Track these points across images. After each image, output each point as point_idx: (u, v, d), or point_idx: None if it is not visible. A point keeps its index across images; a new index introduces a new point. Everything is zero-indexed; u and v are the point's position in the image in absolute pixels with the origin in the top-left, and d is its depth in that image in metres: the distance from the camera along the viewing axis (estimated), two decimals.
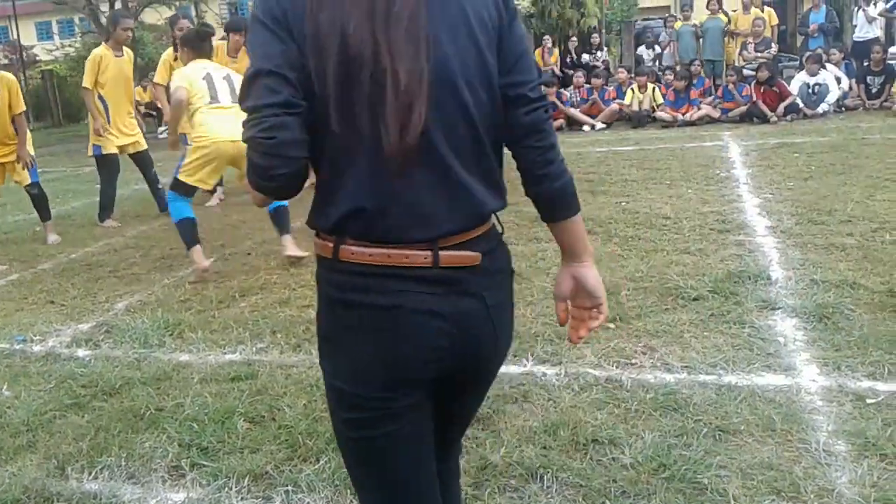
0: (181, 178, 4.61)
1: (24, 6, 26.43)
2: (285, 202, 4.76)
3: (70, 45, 26.52)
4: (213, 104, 4.55)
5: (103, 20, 19.98)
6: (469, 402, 1.47)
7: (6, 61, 30.66)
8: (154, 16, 23.38)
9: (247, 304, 4.12)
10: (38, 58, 29.35)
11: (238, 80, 4.48)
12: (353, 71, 1.16)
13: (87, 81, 6.48)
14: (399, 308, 1.24)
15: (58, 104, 22.25)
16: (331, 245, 1.26)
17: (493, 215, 1.33)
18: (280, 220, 4.87)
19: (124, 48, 6.65)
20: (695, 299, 3.65)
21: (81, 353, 3.58)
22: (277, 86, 1.16)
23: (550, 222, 1.38)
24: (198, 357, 3.42)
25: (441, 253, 1.24)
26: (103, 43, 6.77)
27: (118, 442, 2.67)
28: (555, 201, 1.36)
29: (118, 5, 19.87)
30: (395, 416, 1.30)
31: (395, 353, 1.26)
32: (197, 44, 4.86)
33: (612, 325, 3.41)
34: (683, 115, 10.75)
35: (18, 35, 26.65)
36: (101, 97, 6.46)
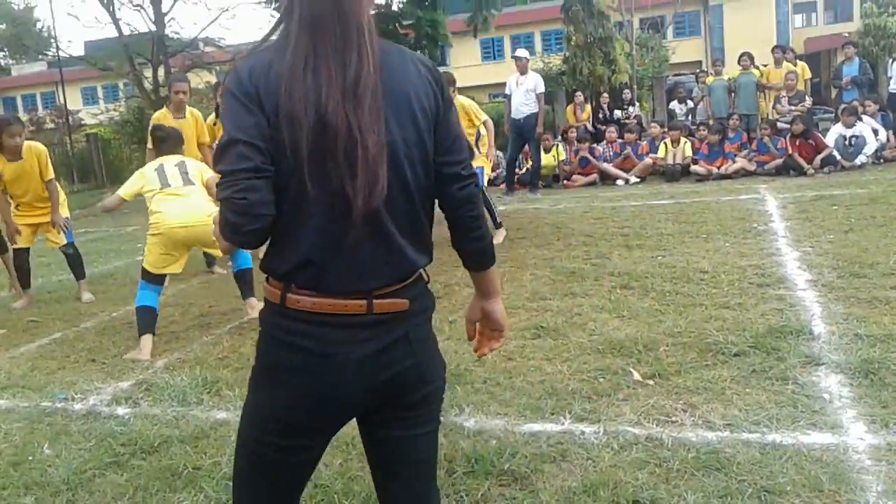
0: (145, 266, 4.67)
1: (70, 72, 27.48)
2: (250, 264, 5.09)
3: (114, 110, 27.46)
4: (165, 189, 4.67)
5: (147, 85, 20.71)
6: (413, 435, 1.59)
7: (52, 125, 31.80)
8: (195, 79, 24.14)
9: None
10: (83, 121, 30.42)
11: (192, 166, 4.87)
12: (327, 141, 1.34)
13: (149, 143, 6.62)
14: (336, 352, 1.44)
15: (101, 166, 22.88)
16: (279, 292, 1.45)
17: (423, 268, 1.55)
18: (244, 283, 5.09)
19: (189, 109, 6.82)
20: (736, 355, 3.59)
21: (121, 411, 3.61)
22: (250, 153, 1.34)
23: (474, 272, 1.65)
24: (235, 415, 3.42)
25: (375, 301, 1.44)
26: (164, 106, 7.03)
27: (156, 501, 2.67)
28: (481, 256, 1.63)
29: (161, 71, 20.58)
30: (315, 445, 1.56)
31: (331, 391, 1.45)
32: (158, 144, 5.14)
33: (651, 382, 3.36)
34: (718, 168, 10.72)
35: (65, 100, 27.64)
36: None
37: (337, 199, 1.36)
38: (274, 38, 1.44)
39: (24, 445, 3.28)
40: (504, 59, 33.20)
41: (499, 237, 7.09)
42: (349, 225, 1.38)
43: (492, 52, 36.33)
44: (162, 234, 4.57)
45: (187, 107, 6.78)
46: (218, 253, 5.85)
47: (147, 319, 4.60)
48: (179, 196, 4.59)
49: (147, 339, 4.55)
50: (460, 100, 7.31)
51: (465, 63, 35.03)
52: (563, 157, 12.26)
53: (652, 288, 4.94)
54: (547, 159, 11.57)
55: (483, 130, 7.43)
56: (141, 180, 4.77)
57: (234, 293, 5.89)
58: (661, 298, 4.68)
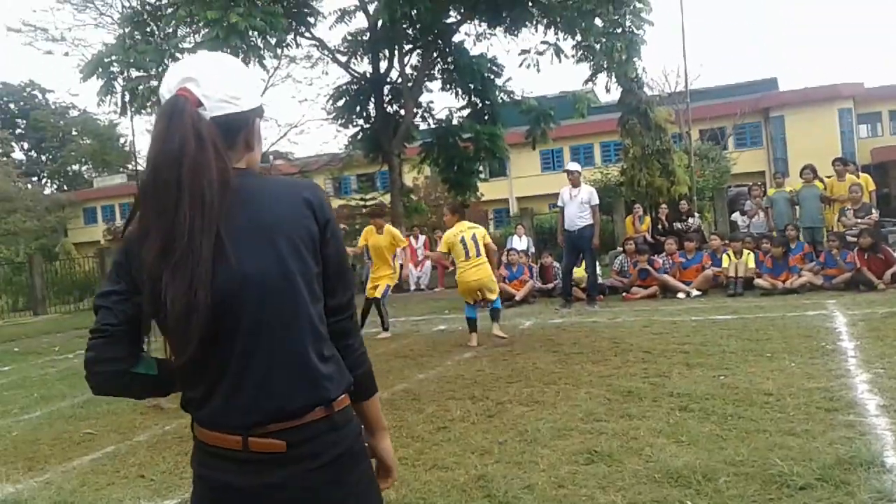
0: None
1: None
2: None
3: None
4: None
5: None
6: None
7: (110, 237, 33.31)
8: None
9: None
10: None
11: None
12: (155, 302, 1.41)
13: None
14: (219, 482, 1.50)
15: None
16: (221, 435, 1.50)
17: (327, 408, 1.53)
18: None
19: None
20: (801, 488, 3.36)
21: None
22: (103, 314, 1.48)
23: (354, 402, 1.63)
24: None
25: (251, 439, 1.46)
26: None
27: None
28: (359, 385, 1.63)
29: None
30: None
31: None
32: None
33: None
34: (784, 282, 10.44)
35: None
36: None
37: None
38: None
39: None
40: (563, 169, 33.73)
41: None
42: (217, 367, 1.46)
43: (551, 162, 36.95)
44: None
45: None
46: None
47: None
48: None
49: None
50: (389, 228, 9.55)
51: (526, 173, 35.72)
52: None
53: (713, 411, 4.73)
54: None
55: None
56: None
57: None
58: (722, 423, 4.47)
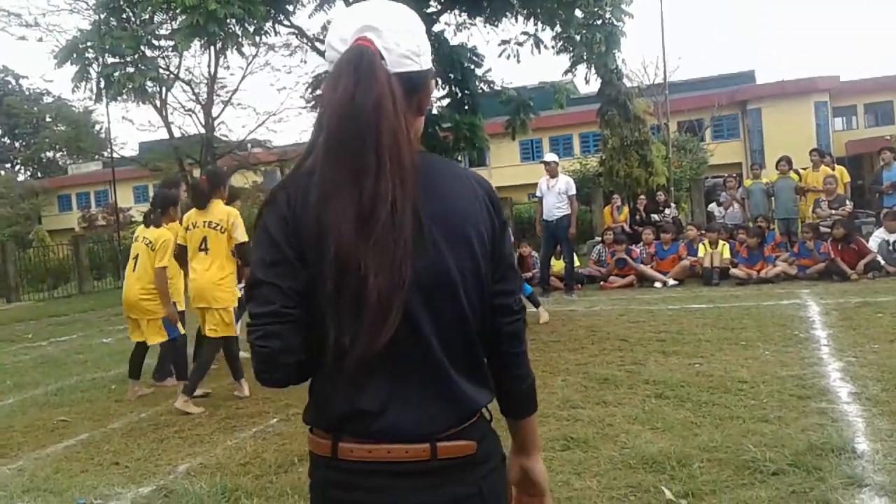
0: None
1: (123, 171, 28.63)
2: None
3: None
4: None
5: None
6: None
7: (104, 222, 32.94)
8: (241, 179, 24.89)
9: (305, 470, 4.03)
10: (133, 219, 31.43)
11: None
12: (342, 277, 1.21)
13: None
14: None
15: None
16: (328, 443, 1.30)
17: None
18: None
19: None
20: (774, 474, 3.41)
21: None
22: (272, 295, 1.25)
23: (512, 419, 1.46)
24: None
25: (438, 444, 1.28)
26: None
27: None
28: (521, 400, 1.45)
29: None
30: None
31: None
32: None
33: (683, 502, 3.20)
34: (759, 272, 10.55)
35: (115, 199, 28.71)
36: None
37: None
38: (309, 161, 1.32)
39: None
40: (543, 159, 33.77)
41: None
42: (398, 366, 1.26)
43: (531, 152, 36.96)
44: None
45: None
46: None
47: None
48: None
49: None
50: None
51: (505, 163, 35.72)
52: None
53: (688, 398, 4.78)
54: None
55: None
56: None
57: (262, 394, 5.87)
58: (696, 409, 4.52)
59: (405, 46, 1.32)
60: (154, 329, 6.09)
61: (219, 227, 5.66)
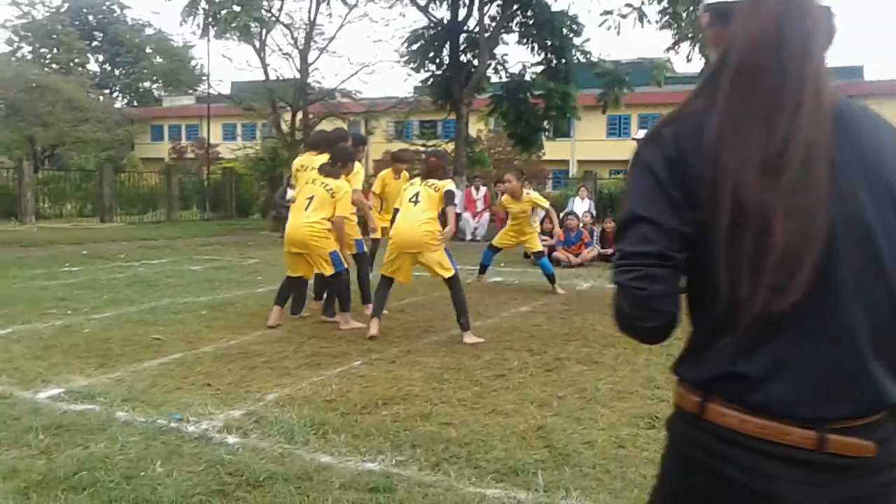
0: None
1: (215, 108, 29.29)
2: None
3: (250, 148, 28.99)
4: None
5: (284, 128, 21.82)
6: None
7: (192, 155, 33.91)
8: (329, 126, 25.15)
9: (388, 413, 4.13)
10: (220, 155, 32.25)
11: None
12: (742, 223, 1.09)
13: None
14: (771, 490, 1.12)
15: (233, 198, 24.11)
16: (697, 400, 1.18)
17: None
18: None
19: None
20: None
21: (231, 439, 3.68)
22: (654, 235, 1.14)
23: None
24: (338, 461, 3.43)
25: (830, 436, 1.11)
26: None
27: None
28: None
29: (299, 116, 21.64)
30: None
31: None
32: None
33: None
34: None
35: (209, 134, 29.47)
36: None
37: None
38: (699, 101, 1.21)
39: (137, 460, 3.37)
40: (629, 136, 33.08)
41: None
42: (794, 332, 1.11)
43: (618, 128, 36.30)
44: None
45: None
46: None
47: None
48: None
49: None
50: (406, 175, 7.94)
51: (590, 137, 35.16)
52: None
53: None
54: None
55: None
56: None
57: (345, 336, 6.01)
58: None
59: None
60: (322, 262, 6.41)
61: None
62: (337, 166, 6.54)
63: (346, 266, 6.51)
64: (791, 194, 1.07)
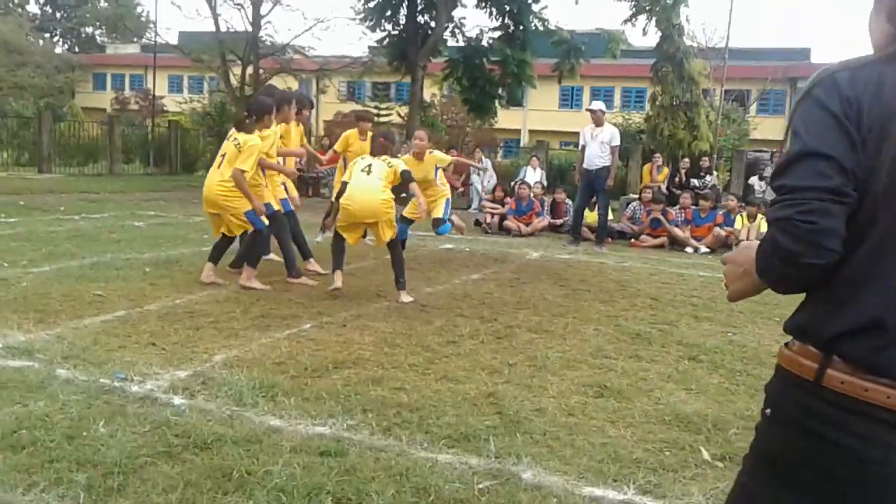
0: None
1: (161, 59, 28.35)
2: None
3: (198, 101, 28.20)
4: None
5: (233, 82, 21.23)
6: None
7: (136, 107, 32.88)
8: (280, 83, 24.61)
9: (339, 377, 4.09)
10: (165, 108, 31.33)
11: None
12: None
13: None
14: (881, 462, 1.08)
15: (178, 153, 23.49)
16: (814, 365, 1.13)
17: None
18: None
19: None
20: None
21: (177, 400, 3.59)
22: (829, 170, 1.10)
23: None
24: (288, 424, 3.39)
25: None
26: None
27: (206, 500, 2.62)
28: None
29: (249, 70, 21.08)
30: None
31: None
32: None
33: (720, 464, 3.21)
34: None
35: (154, 85, 28.53)
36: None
37: None
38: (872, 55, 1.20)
39: (79, 420, 3.27)
40: (581, 108, 33.17)
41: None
42: None
43: (570, 100, 36.42)
44: None
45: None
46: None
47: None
48: None
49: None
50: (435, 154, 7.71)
51: (542, 107, 35.21)
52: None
53: (722, 364, 4.78)
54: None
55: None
56: None
57: (294, 299, 5.92)
58: (731, 377, 4.52)
59: None
60: (236, 223, 6.31)
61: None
62: (252, 120, 6.40)
63: (264, 225, 6.39)
64: None
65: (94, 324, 4.90)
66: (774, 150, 15.26)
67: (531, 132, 35.56)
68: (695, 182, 13.72)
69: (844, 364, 1.11)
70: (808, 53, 36.37)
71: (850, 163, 1.10)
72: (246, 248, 6.57)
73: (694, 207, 11.80)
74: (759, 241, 1.20)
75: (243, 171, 6.14)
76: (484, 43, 20.27)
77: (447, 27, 19.91)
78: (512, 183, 13.54)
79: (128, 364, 4.07)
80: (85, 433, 3.13)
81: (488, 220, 12.57)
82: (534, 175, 15.18)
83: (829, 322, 1.13)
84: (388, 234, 6.18)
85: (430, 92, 24.77)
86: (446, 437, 3.33)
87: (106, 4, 39.85)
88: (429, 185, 7.34)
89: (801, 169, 1.11)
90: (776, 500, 1.19)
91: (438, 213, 7.39)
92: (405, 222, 7.26)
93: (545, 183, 15.37)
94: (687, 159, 14.68)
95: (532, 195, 12.63)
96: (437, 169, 7.44)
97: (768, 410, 1.22)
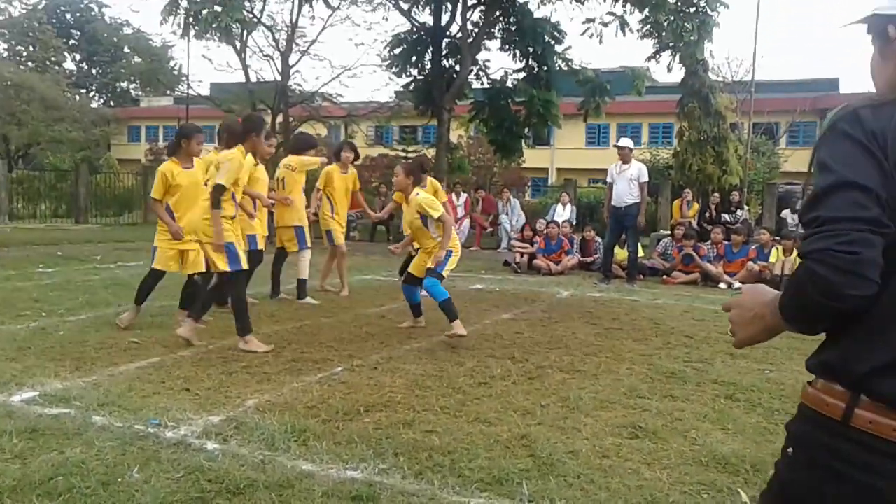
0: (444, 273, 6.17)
1: (194, 110, 28.96)
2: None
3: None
4: None
5: None
6: None
7: (152, 157, 33.51)
8: (310, 130, 25.01)
9: (371, 421, 4.08)
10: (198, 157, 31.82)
11: None
12: None
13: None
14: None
15: None
16: (842, 405, 1.12)
17: None
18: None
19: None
20: None
21: (210, 445, 3.61)
22: (866, 201, 1.09)
23: None
24: (320, 468, 3.38)
25: None
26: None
27: None
28: None
29: (279, 118, 21.49)
30: None
31: None
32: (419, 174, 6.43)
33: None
34: None
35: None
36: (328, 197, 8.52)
37: None
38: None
39: (114, 466, 3.30)
40: (608, 145, 33.26)
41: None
42: None
43: (597, 137, 36.53)
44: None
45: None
46: None
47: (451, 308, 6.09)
48: None
49: (458, 324, 6.04)
50: (433, 181, 8.02)
51: (569, 145, 35.35)
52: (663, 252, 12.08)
53: (759, 403, 4.68)
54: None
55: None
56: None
57: (326, 342, 5.94)
58: (769, 416, 4.42)
59: None
60: (215, 257, 5.94)
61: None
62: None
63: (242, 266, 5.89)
64: None
65: (129, 370, 4.96)
66: (808, 181, 15.06)
67: (559, 170, 35.65)
68: (726, 217, 13.60)
69: (872, 403, 1.08)
70: (837, 84, 36.14)
71: (885, 193, 1.09)
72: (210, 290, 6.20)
73: (726, 243, 11.69)
74: (766, 284, 1.19)
75: (221, 185, 5.65)
76: (508, 84, 20.47)
77: (472, 70, 20.17)
78: (540, 221, 13.53)
79: (162, 410, 4.10)
80: (120, 479, 3.15)
81: (517, 259, 12.55)
82: (563, 213, 15.18)
83: (859, 359, 1.11)
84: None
85: (456, 134, 25.02)
86: (479, 480, 3.29)
87: (140, 60, 40.91)
88: (422, 235, 6.43)
89: (836, 200, 1.10)
90: None
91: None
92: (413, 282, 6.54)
93: (574, 221, 15.35)
94: (717, 194, 14.57)
95: (561, 233, 12.62)
96: (424, 218, 6.29)
97: (790, 450, 1.20)
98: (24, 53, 39.22)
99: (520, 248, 12.88)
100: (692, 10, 16.02)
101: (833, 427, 1.11)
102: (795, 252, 10.81)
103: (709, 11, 15.99)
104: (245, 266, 5.99)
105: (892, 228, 1.09)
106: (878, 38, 1.26)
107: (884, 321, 1.10)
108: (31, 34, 38.64)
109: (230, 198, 5.84)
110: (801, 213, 1.15)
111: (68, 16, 46.35)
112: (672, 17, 16.46)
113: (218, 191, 5.66)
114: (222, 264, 5.82)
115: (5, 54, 38.41)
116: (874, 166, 1.10)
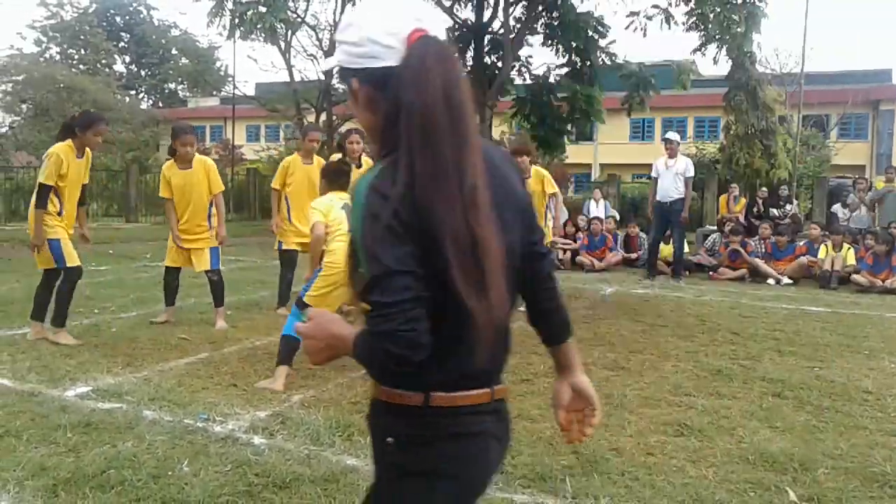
0: (307, 300, 4.53)
1: (239, 110, 29.46)
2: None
3: (274, 149, 29.13)
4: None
5: None
6: None
7: (216, 156, 34.09)
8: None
9: None
10: (244, 156, 32.41)
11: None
12: (462, 255, 1.30)
13: (275, 183, 7.14)
14: (481, 434, 1.48)
15: (257, 199, 24.23)
16: (420, 395, 1.42)
17: None
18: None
19: (314, 157, 7.20)
20: None
21: (257, 440, 3.68)
22: (410, 283, 1.29)
23: (553, 345, 1.67)
24: (365, 463, 3.41)
25: (495, 388, 1.51)
26: (295, 151, 7.63)
27: None
28: (561, 328, 1.66)
29: (323, 117, 21.70)
30: None
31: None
32: (333, 178, 4.94)
33: None
34: (883, 281, 10.00)
35: (233, 135, 29.64)
36: (286, 197, 7.11)
37: (480, 308, 1.34)
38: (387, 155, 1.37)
39: (164, 459, 3.38)
40: (653, 140, 32.84)
41: None
42: (497, 328, 1.38)
43: (641, 132, 36.04)
44: (337, 276, 4.42)
45: (315, 156, 7.24)
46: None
47: (289, 351, 4.69)
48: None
49: (283, 371, 4.65)
50: (538, 169, 7.64)
51: (613, 140, 34.95)
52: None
53: (808, 401, 4.59)
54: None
55: (552, 203, 7.85)
56: (320, 215, 4.65)
57: None
58: (818, 414, 4.34)
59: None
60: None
61: None
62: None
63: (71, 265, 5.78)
64: (490, 228, 1.33)
65: (178, 366, 5.07)
66: (858, 175, 14.72)
67: (602, 166, 35.30)
68: (774, 212, 13.34)
69: (441, 391, 1.44)
70: (890, 75, 35.11)
71: (418, 268, 1.31)
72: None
73: (773, 238, 11.46)
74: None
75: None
76: (551, 80, 20.31)
77: (514, 66, 20.05)
78: (580, 218, 13.43)
79: (210, 405, 4.19)
80: (170, 472, 3.23)
81: (560, 255, 12.48)
82: (597, 209, 15.01)
83: (431, 377, 1.42)
84: None
85: (499, 130, 24.94)
86: (522, 476, 3.30)
87: (187, 61, 41.66)
88: None
89: (389, 287, 1.30)
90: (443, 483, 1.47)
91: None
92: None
93: (617, 216, 15.19)
94: (765, 189, 14.29)
95: (604, 230, 12.50)
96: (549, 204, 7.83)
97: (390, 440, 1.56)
98: (76, 56, 40.17)
99: (562, 244, 12.81)
100: (739, 1, 15.67)
101: (420, 411, 1.44)
102: (846, 247, 10.57)
103: (757, 2, 15.62)
104: (74, 263, 5.82)
105: (428, 296, 1.30)
106: (348, 89, 1.46)
107: (446, 350, 1.39)
108: (82, 37, 39.57)
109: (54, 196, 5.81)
110: (362, 292, 1.32)
111: (118, 19, 47.35)
112: (718, 9, 16.12)
113: (43, 190, 5.70)
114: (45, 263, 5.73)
115: (58, 58, 39.39)
116: (406, 250, 1.29)
